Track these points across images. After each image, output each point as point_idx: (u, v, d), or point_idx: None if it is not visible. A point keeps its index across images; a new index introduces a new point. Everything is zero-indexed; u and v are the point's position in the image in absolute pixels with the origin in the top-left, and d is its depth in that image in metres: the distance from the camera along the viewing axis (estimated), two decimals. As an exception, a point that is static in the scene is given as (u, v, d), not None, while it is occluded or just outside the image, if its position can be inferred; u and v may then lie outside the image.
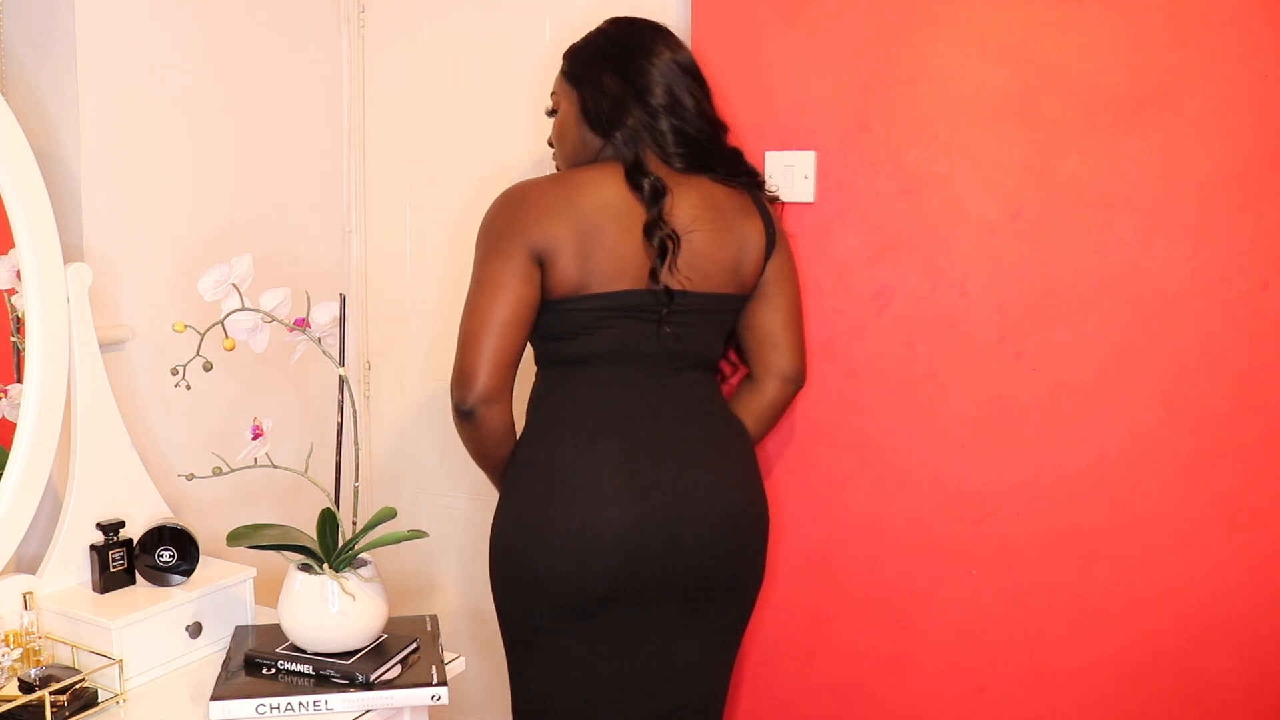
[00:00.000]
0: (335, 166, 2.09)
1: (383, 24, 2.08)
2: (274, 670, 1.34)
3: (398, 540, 1.35)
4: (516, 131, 1.95)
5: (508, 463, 1.53)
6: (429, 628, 1.46)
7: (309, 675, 1.33)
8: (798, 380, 1.64)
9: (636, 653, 1.51)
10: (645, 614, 1.49)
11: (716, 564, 1.50)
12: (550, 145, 1.63)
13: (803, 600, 1.81)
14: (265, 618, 1.52)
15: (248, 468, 1.36)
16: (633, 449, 1.45)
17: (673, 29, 1.58)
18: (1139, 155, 1.51)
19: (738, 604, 1.59)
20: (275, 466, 1.37)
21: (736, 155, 1.58)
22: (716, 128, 1.56)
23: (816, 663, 1.81)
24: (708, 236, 1.49)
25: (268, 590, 1.51)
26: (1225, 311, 1.49)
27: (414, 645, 1.40)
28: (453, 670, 1.40)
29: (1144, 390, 1.55)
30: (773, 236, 1.57)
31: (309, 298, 1.39)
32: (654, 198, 1.45)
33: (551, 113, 1.61)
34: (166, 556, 1.46)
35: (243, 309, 1.34)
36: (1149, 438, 1.55)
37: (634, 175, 1.47)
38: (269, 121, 1.91)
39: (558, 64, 1.61)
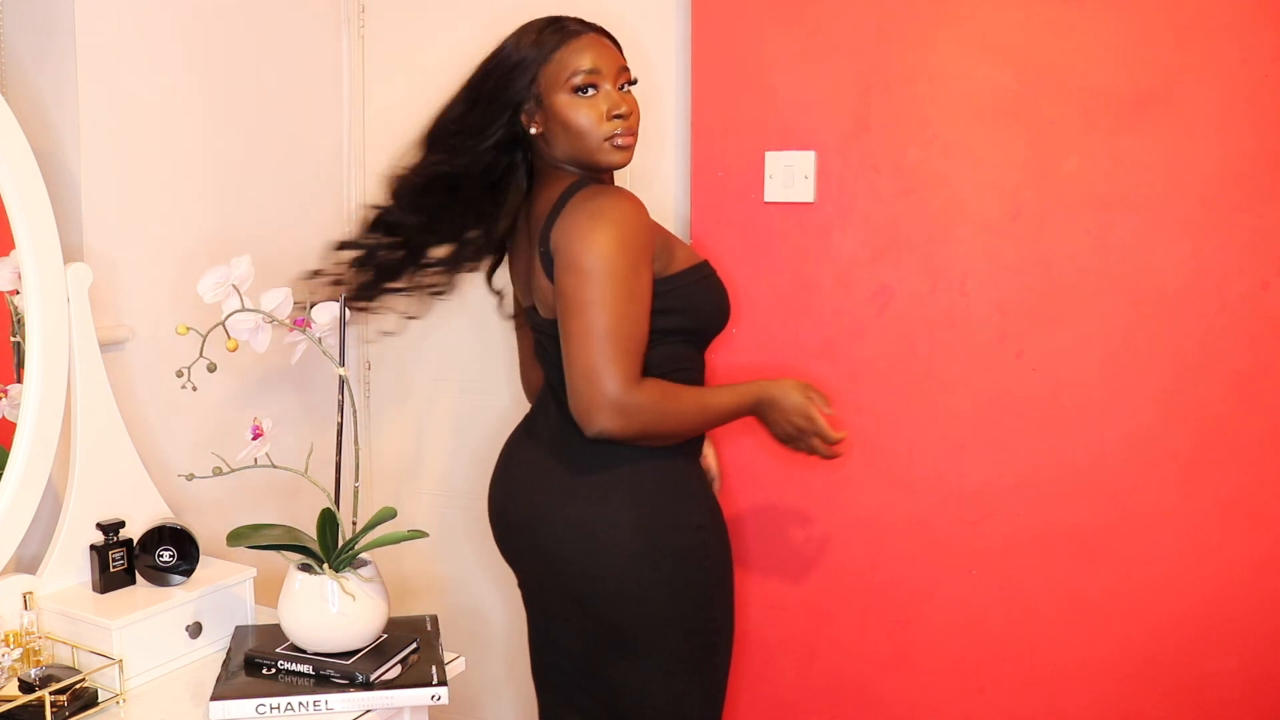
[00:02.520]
0: (335, 166, 2.09)
1: (383, 24, 2.08)
2: (274, 670, 1.34)
3: (398, 540, 1.35)
4: (516, 131, 1.95)
5: None
6: (429, 628, 1.46)
7: (309, 675, 1.33)
8: (581, 424, 1.34)
9: (536, 630, 1.61)
10: (531, 600, 1.61)
11: (523, 566, 1.58)
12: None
13: (803, 600, 1.81)
14: (265, 618, 1.52)
15: (248, 468, 1.36)
16: (510, 441, 1.61)
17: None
18: (1139, 155, 1.51)
19: (590, 616, 1.47)
20: (275, 466, 1.37)
21: None
22: None
23: (816, 662, 1.81)
24: (523, 257, 1.53)
25: (268, 590, 1.50)
26: (1225, 311, 1.49)
27: (414, 645, 1.40)
28: (453, 670, 1.40)
29: (1144, 390, 1.55)
30: (546, 254, 1.40)
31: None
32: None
33: (634, 81, 1.49)
34: (166, 556, 1.46)
35: (243, 310, 1.34)
36: (1148, 437, 1.55)
37: None
38: (269, 121, 1.91)
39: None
